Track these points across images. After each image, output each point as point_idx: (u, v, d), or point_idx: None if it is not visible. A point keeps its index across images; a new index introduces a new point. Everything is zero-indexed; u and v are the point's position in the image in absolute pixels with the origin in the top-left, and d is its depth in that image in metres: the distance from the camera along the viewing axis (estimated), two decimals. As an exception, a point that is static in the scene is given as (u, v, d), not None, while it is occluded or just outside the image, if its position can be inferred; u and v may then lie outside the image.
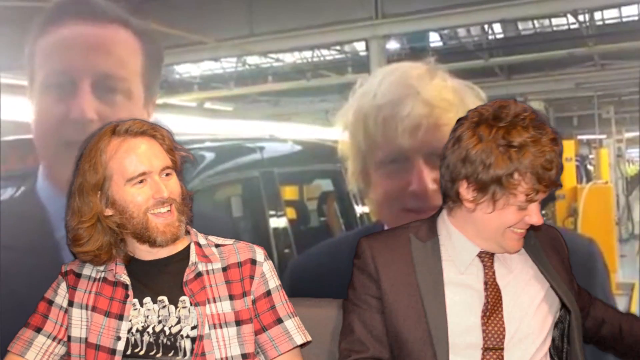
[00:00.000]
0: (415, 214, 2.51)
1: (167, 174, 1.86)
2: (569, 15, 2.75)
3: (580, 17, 2.75)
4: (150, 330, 1.82)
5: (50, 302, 1.93)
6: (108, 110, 2.57)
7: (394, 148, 2.56)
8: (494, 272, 1.81)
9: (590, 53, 2.77)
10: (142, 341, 1.82)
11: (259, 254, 1.94)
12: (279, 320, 1.90)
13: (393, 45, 2.88)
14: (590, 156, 3.02)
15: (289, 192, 3.20)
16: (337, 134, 2.74)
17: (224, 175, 3.01)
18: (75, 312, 1.89)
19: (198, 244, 1.93)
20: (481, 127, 1.70)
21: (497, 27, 2.92)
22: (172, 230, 1.82)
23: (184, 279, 1.85)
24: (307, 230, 3.17)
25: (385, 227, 2.58)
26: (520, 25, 2.90)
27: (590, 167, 3.02)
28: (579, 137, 3.02)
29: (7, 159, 2.65)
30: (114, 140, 1.84)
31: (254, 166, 3.03)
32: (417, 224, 1.92)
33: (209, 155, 2.98)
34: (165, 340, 1.81)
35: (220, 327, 1.82)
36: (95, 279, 1.91)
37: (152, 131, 1.88)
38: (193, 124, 3.21)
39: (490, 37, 2.95)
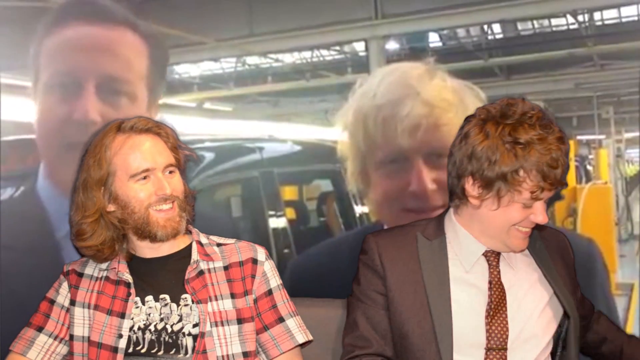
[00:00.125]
0: (415, 214, 2.51)
1: (171, 172, 1.87)
2: (568, 16, 2.75)
3: (580, 18, 2.75)
4: (152, 328, 1.83)
5: (52, 302, 1.93)
6: (112, 113, 2.57)
7: (393, 148, 2.56)
8: (499, 272, 1.81)
9: (589, 53, 2.78)
10: (144, 339, 1.82)
11: (261, 253, 1.95)
12: (281, 319, 1.91)
13: (392, 45, 2.88)
14: (590, 156, 3.02)
15: (289, 192, 3.20)
16: (336, 134, 2.74)
17: (224, 175, 3.01)
18: (78, 311, 1.89)
19: (200, 243, 1.94)
20: (488, 124, 1.70)
21: (497, 28, 2.93)
22: (172, 225, 1.83)
23: (186, 277, 1.86)
24: (306, 230, 3.17)
25: (385, 227, 2.58)
26: (520, 26, 2.90)
27: (589, 168, 3.02)
28: (579, 137, 3.02)
29: (6, 159, 2.65)
30: (119, 136, 1.86)
31: (253, 166, 3.03)
32: (424, 222, 1.92)
33: (209, 156, 2.98)
34: (167, 338, 1.82)
35: (222, 324, 1.83)
36: (97, 278, 1.92)
37: (157, 129, 1.90)
38: (192, 124, 3.21)
39: (489, 37, 2.95)
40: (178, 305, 1.84)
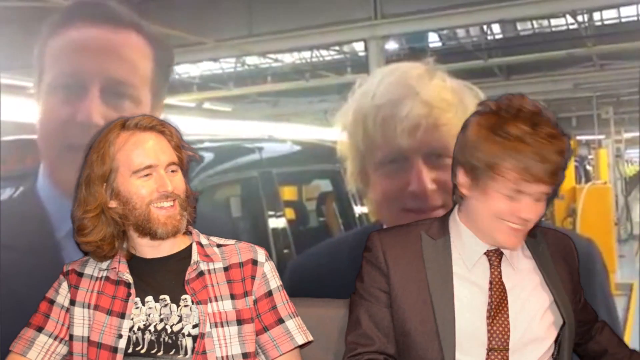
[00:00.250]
0: (415, 214, 2.51)
1: (173, 170, 1.87)
2: (567, 16, 2.75)
3: (579, 18, 2.75)
4: (151, 328, 1.83)
5: (52, 302, 1.93)
6: (115, 116, 2.55)
7: (393, 148, 2.56)
8: (500, 272, 1.81)
9: (589, 53, 2.78)
10: (143, 339, 1.82)
11: (261, 254, 1.95)
12: (280, 321, 1.91)
13: (392, 45, 2.88)
14: (589, 156, 3.03)
15: (288, 193, 3.20)
16: (336, 134, 2.73)
17: (223, 175, 3.01)
18: (78, 311, 1.89)
19: (200, 244, 1.94)
20: (484, 117, 1.73)
21: (496, 28, 2.93)
22: (173, 223, 1.83)
23: (186, 278, 1.86)
24: (306, 230, 3.17)
25: (385, 227, 2.58)
26: (519, 26, 2.90)
27: (589, 168, 3.03)
28: (578, 137, 3.02)
29: (6, 159, 2.64)
30: (123, 133, 1.87)
31: (252, 166, 3.03)
32: (428, 222, 1.92)
33: (208, 156, 2.98)
34: (166, 339, 1.82)
35: (222, 325, 1.83)
36: (97, 278, 1.92)
37: (161, 127, 1.90)
38: (192, 124, 3.21)
39: (489, 37, 2.95)
40: (178, 305, 1.84)
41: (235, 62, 3.27)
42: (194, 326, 1.82)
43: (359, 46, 3.07)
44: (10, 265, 2.50)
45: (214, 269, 1.90)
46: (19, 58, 2.70)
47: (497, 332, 1.75)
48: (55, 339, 1.90)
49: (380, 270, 1.87)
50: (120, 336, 1.81)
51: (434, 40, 3.00)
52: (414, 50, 2.88)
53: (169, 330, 1.82)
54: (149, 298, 1.85)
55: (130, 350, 1.81)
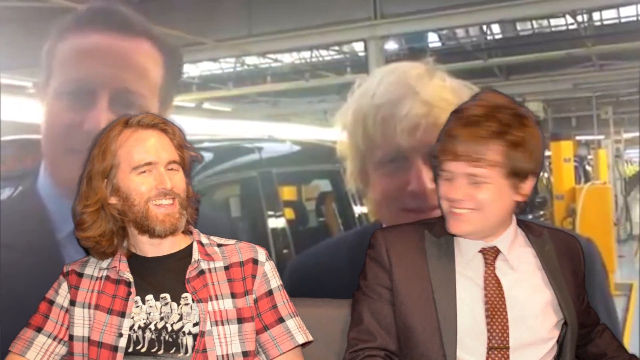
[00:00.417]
0: (415, 213, 2.51)
1: (174, 169, 1.87)
2: (567, 16, 2.76)
3: (579, 18, 2.75)
4: (152, 327, 1.82)
5: (51, 302, 1.93)
6: None
7: (392, 148, 2.56)
8: (494, 269, 1.81)
9: (588, 54, 2.78)
10: (144, 338, 1.82)
11: (261, 254, 1.95)
12: (281, 320, 1.91)
13: (392, 45, 2.88)
14: (589, 157, 3.03)
15: (288, 193, 3.20)
16: (335, 134, 2.73)
17: (223, 175, 3.01)
18: (78, 311, 1.89)
19: (200, 243, 1.94)
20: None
21: (496, 28, 2.93)
22: (171, 221, 1.83)
23: (187, 276, 1.86)
24: (305, 230, 3.17)
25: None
26: (519, 26, 2.90)
27: (588, 168, 3.03)
28: (578, 137, 3.03)
29: (5, 159, 2.64)
30: (126, 130, 1.87)
31: (252, 166, 3.03)
32: (432, 221, 1.93)
33: (208, 156, 2.98)
34: (167, 337, 1.81)
35: (222, 324, 1.83)
36: (97, 278, 1.92)
37: (163, 125, 1.91)
38: (191, 124, 3.21)
39: (488, 37, 2.96)
40: (178, 304, 1.84)
41: (235, 62, 3.28)
42: (195, 324, 1.82)
43: (358, 46, 3.07)
44: (11, 264, 2.50)
45: (215, 267, 1.90)
46: (19, 58, 2.70)
47: (497, 330, 1.75)
48: (54, 339, 1.90)
49: (383, 267, 1.87)
50: (120, 335, 1.81)
51: (433, 40, 3.01)
52: (414, 51, 2.89)
53: (170, 329, 1.82)
54: (150, 297, 1.85)
55: (130, 349, 1.81)
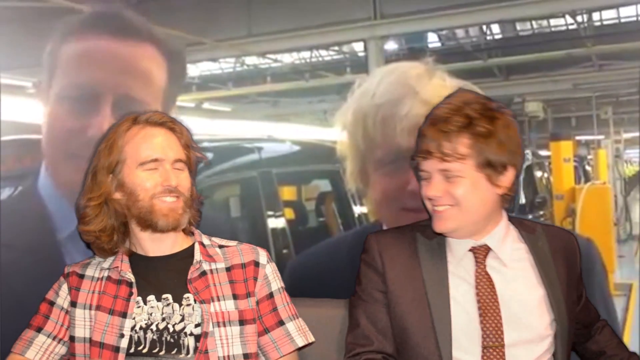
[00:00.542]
0: (414, 213, 2.49)
1: (179, 168, 1.88)
2: (567, 16, 2.76)
3: (579, 18, 2.76)
4: (153, 327, 1.82)
5: (52, 304, 1.93)
6: None
7: (393, 147, 2.56)
8: (484, 267, 1.81)
9: (588, 54, 2.79)
10: (145, 339, 1.82)
11: (262, 256, 1.95)
12: (281, 323, 1.91)
13: (391, 45, 2.88)
14: (589, 157, 3.03)
15: (287, 193, 3.20)
16: (335, 134, 2.73)
17: (222, 175, 3.01)
18: (79, 312, 1.89)
19: (202, 244, 1.94)
20: None
21: (496, 28, 2.93)
22: (174, 216, 1.83)
23: (189, 277, 1.86)
24: (305, 230, 3.17)
25: (384, 227, 2.58)
26: (519, 26, 2.90)
27: (588, 168, 3.03)
28: (577, 137, 3.03)
29: (5, 159, 2.64)
30: (134, 127, 1.88)
31: (252, 166, 3.03)
32: (424, 223, 1.93)
33: (207, 156, 2.97)
34: (168, 338, 1.81)
35: (224, 325, 1.83)
36: (98, 279, 1.92)
37: (171, 124, 1.92)
38: (191, 124, 3.20)
39: (488, 37, 2.96)
40: (180, 305, 1.84)
41: (235, 62, 3.28)
42: (196, 325, 1.82)
43: (358, 46, 3.07)
44: (11, 264, 2.50)
45: (216, 269, 1.90)
46: (19, 58, 2.70)
47: (490, 328, 1.75)
48: (54, 339, 1.90)
49: (376, 270, 1.88)
50: (122, 336, 1.81)
51: (433, 40, 3.01)
52: (413, 51, 2.89)
53: (171, 330, 1.82)
54: (151, 297, 1.85)
55: (132, 350, 1.80)
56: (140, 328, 1.82)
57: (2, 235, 2.49)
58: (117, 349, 1.79)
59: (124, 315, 1.83)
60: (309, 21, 2.92)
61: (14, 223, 2.53)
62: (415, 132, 1.84)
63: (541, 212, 2.89)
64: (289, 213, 3.14)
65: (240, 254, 1.94)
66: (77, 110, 2.56)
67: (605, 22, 2.80)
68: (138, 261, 1.90)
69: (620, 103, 2.84)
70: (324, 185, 3.17)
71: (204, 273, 1.88)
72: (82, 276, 1.93)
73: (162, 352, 1.80)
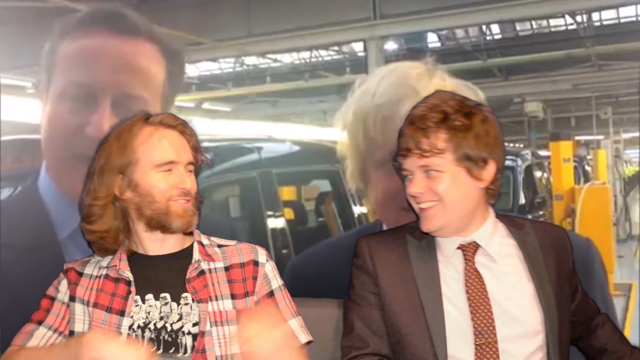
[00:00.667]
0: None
1: (190, 170, 1.89)
2: (566, 16, 2.76)
3: (578, 18, 2.76)
4: (151, 326, 1.82)
5: (53, 299, 1.93)
6: None
7: (393, 147, 2.56)
8: (474, 264, 1.81)
9: (588, 54, 2.79)
10: (143, 337, 1.82)
11: (262, 255, 1.95)
12: None
13: (391, 45, 2.88)
14: (588, 157, 3.03)
15: (287, 193, 3.20)
16: (335, 134, 2.73)
17: (222, 175, 3.01)
18: (78, 307, 1.89)
19: (201, 244, 1.94)
20: None
21: (495, 28, 2.94)
22: (187, 218, 1.84)
23: (187, 276, 1.86)
24: (305, 230, 3.17)
25: (384, 226, 2.58)
26: (518, 26, 2.91)
27: (588, 168, 3.04)
28: (577, 137, 3.03)
29: (4, 159, 2.64)
30: (147, 127, 1.88)
31: (252, 166, 3.03)
32: (414, 224, 1.93)
33: (207, 156, 2.97)
34: (166, 337, 1.81)
35: (222, 324, 1.83)
36: (96, 277, 1.92)
37: (182, 127, 1.92)
38: (191, 125, 3.20)
39: (488, 38, 2.96)
40: (178, 304, 1.84)
41: (235, 63, 3.28)
42: (194, 324, 1.81)
43: (358, 46, 3.08)
44: (11, 264, 2.49)
45: (215, 268, 1.90)
46: (18, 58, 2.69)
47: (482, 325, 1.75)
48: (54, 331, 1.90)
49: (368, 273, 1.88)
50: (119, 334, 1.81)
51: (433, 40, 3.01)
52: (413, 51, 2.89)
53: (169, 329, 1.82)
54: (149, 296, 1.85)
55: (129, 349, 1.81)
56: (138, 327, 1.82)
57: (2, 235, 2.49)
58: None
59: (121, 313, 1.83)
60: (309, 21, 2.92)
61: (14, 223, 2.53)
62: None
63: (541, 212, 2.89)
64: (289, 213, 3.14)
65: (239, 254, 1.94)
66: (77, 108, 2.56)
67: (604, 23, 2.80)
68: (137, 260, 1.90)
69: (619, 103, 2.85)
70: (324, 185, 3.17)
71: (202, 272, 1.88)
72: (80, 274, 1.93)
73: (160, 351, 1.80)
